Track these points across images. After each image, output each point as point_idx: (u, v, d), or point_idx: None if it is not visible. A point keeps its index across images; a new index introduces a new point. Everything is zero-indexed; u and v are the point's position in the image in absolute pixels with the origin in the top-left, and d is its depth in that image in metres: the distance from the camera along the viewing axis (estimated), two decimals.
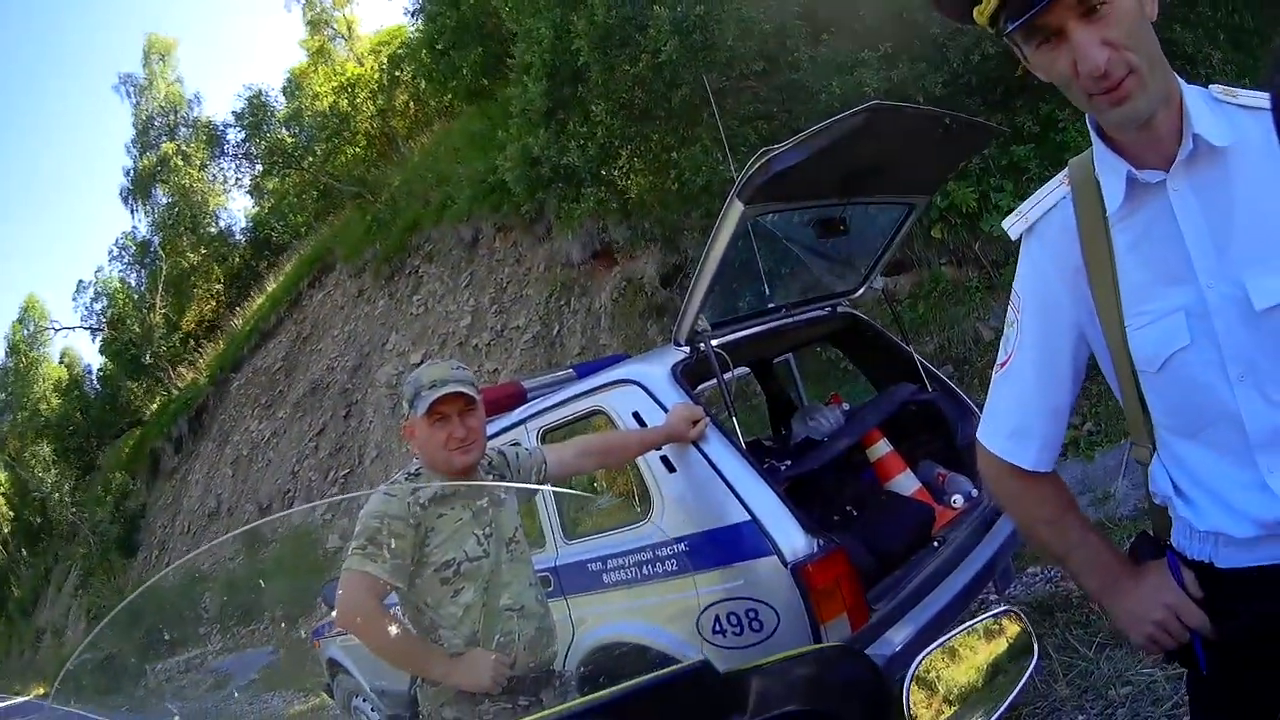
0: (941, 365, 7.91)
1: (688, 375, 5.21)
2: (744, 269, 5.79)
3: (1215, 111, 1.97)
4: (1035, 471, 2.21)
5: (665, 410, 4.96)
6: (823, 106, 10.94)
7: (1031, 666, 1.84)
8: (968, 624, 1.84)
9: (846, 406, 6.66)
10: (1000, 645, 1.83)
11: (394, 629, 3.75)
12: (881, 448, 6.21)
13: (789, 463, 5.71)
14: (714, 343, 5.19)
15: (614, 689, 1.79)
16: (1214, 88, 2.04)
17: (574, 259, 19.06)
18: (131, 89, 50.05)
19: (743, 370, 7.46)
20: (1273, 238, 1.89)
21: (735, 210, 4.74)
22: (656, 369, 5.24)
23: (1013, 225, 2.30)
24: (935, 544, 5.54)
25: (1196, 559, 2.08)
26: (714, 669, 1.82)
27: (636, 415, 5.11)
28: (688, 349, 5.26)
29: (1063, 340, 2.17)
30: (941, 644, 1.78)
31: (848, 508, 5.77)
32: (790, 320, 6.23)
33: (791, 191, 5.19)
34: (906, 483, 6.10)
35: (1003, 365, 2.27)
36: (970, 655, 1.81)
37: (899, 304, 8.61)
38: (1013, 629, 1.87)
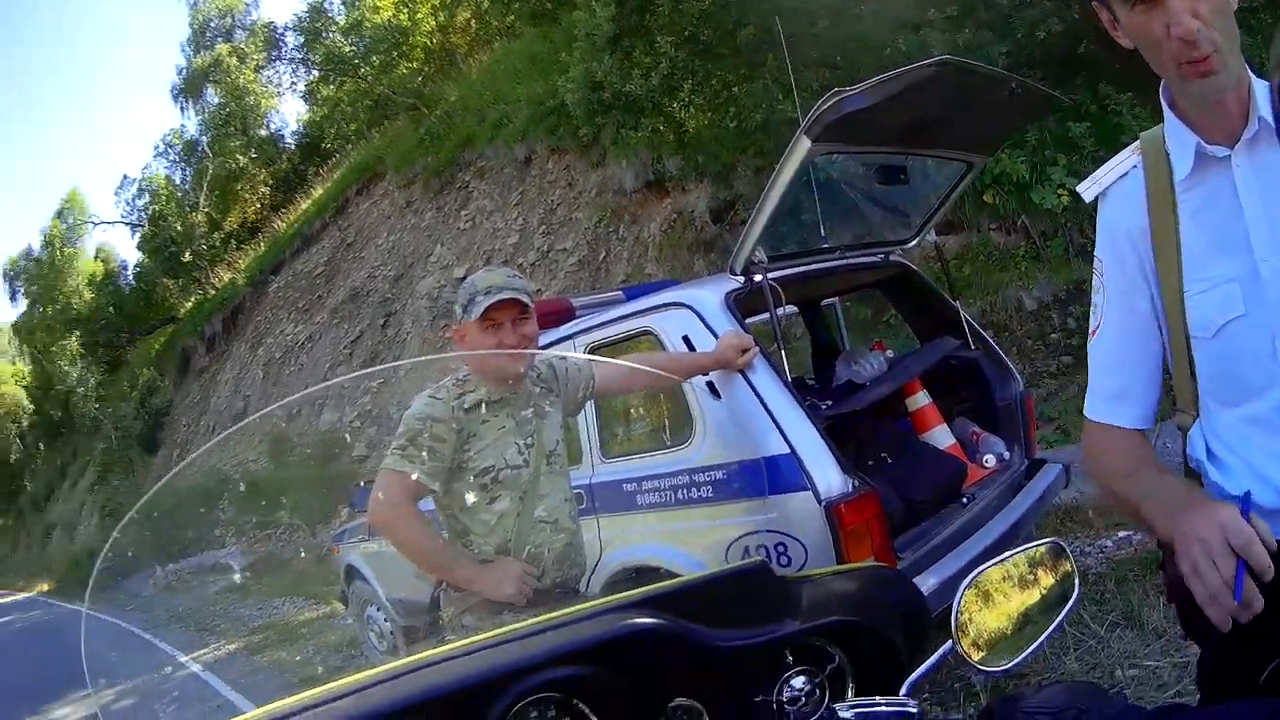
0: (983, 330, 7.98)
1: (740, 305, 5.19)
2: (803, 208, 5.80)
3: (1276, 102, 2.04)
4: (1132, 430, 2.24)
5: (715, 337, 4.96)
6: (886, 61, 10.91)
7: (1072, 601, 1.88)
8: (1019, 549, 1.88)
9: (890, 354, 6.67)
10: (1046, 578, 1.88)
11: (425, 530, 3.77)
12: (921, 399, 6.25)
13: (830, 403, 5.73)
14: (769, 276, 5.19)
15: (674, 581, 1.84)
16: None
17: (626, 187, 19.05)
18: None
19: (791, 309, 7.51)
20: None
21: (802, 146, 4.72)
22: (710, 294, 5.23)
23: (1087, 189, 2.32)
24: (964, 500, 5.60)
25: None
26: (771, 571, 1.87)
27: (686, 339, 5.12)
28: (742, 279, 5.25)
29: (1143, 299, 2.20)
30: (990, 566, 1.83)
31: (883, 454, 5.80)
32: (843, 262, 6.24)
33: (858, 135, 5.18)
34: (942, 436, 6.14)
35: (1094, 334, 2.30)
36: (1019, 578, 1.85)
37: (948, 262, 8.61)
38: (1058, 562, 1.91)
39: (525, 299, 3.85)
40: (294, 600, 16.98)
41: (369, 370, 28.39)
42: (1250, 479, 2.04)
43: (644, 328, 5.48)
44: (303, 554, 21.22)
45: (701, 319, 5.13)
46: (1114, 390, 2.27)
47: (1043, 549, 1.91)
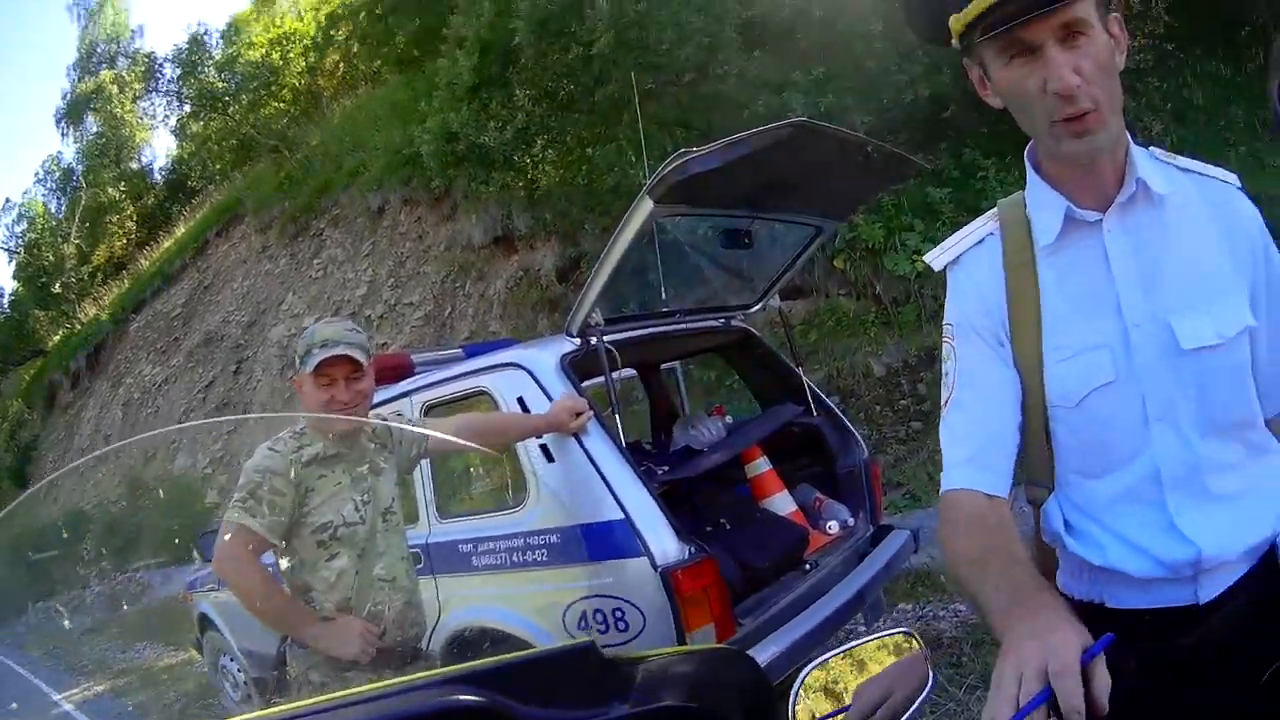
0: (828, 395, 8.02)
1: (576, 367, 5.15)
2: (644, 269, 5.78)
3: (1156, 166, 2.03)
4: (992, 497, 2.06)
5: (550, 399, 4.92)
6: (745, 122, 10.97)
7: (926, 691, 1.79)
8: (863, 639, 1.79)
9: (729, 419, 6.64)
10: (894, 665, 1.79)
11: (267, 585, 3.73)
12: (761, 465, 6.21)
13: (666, 468, 5.68)
14: (605, 339, 5.16)
15: (497, 658, 1.74)
16: (1154, 149, 2.09)
17: (475, 242, 19.15)
18: (82, 12, 50.21)
19: (629, 372, 7.47)
20: (1202, 285, 1.95)
21: (644, 207, 4.70)
22: (545, 356, 5.19)
23: (936, 258, 2.25)
24: (807, 567, 5.56)
25: (1084, 599, 2.08)
26: (599, 651, 1.77)
27: (521, 400, 5.06)
28: (579, 341, 5.22)
29: (997, 368, 2.12)
30: (836, 654, 1.74)
31: (721, 520, 5.76)
32: (683, 327, 6.23)
33: (703, 196, 5.16)
34: (783, 503, 6.10)
35: (945, 403, 2.18)
36: (863, 670, 1.76)
37: (792, 328, 8.66)
38: (909, 650, 1.83)
39: (359, 355, 3.83)
40: (153, 645, 16.89)
41: (217, 420, 28.24)
42: (1122, 551, 2.00)
43: (479, 387, 5.42)
44: (160, 599, 21.06)
45: (536, 380, 5.08)
46: (967, 457, 2.12)
47: (890, 638, 1.82)
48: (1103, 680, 1.50)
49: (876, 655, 1.79)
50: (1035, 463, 2.15)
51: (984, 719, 1.50)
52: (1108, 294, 1.98)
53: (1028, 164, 2.11)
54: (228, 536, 3.64)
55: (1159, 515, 1.97)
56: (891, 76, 12.23)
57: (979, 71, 2.00)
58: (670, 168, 4.54)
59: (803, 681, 1.66)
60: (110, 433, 33.11)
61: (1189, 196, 2.02)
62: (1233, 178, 2.10)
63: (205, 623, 8.76)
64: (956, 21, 1.91)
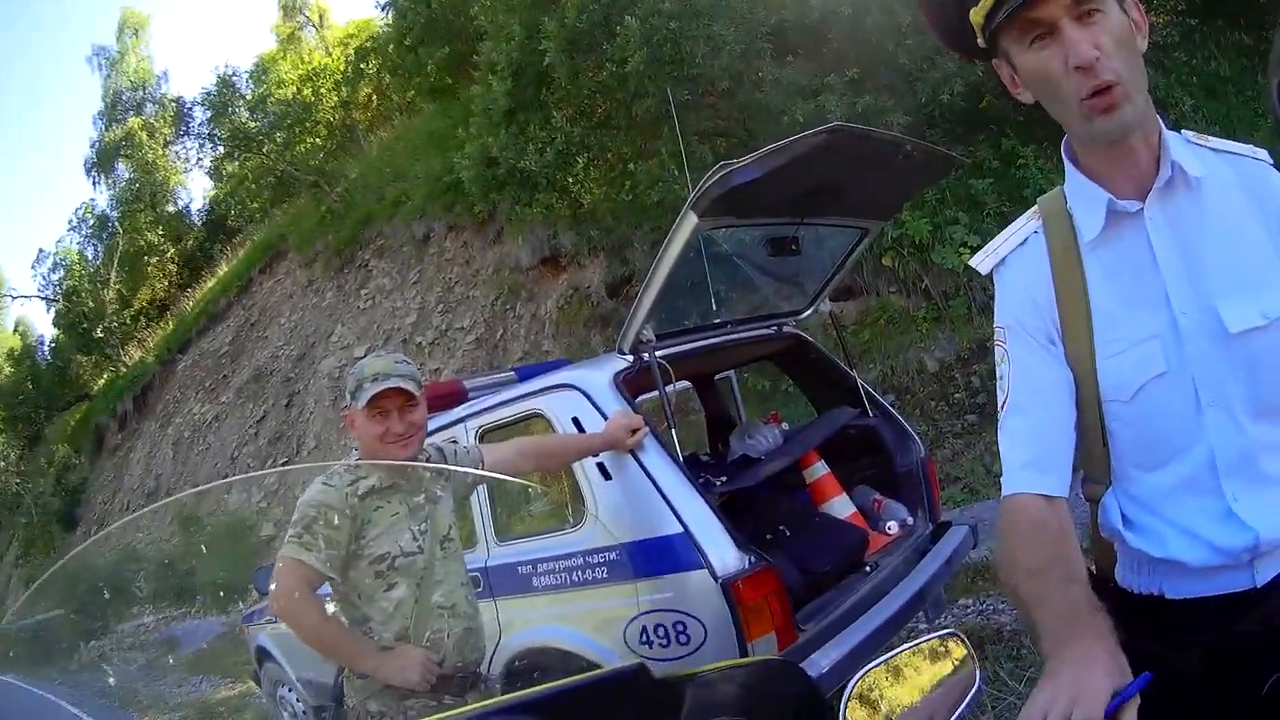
0: (884, 394, 7.98)
1: (629, 384, 5.16)
2: (693, 282, 5.77)
3: (1189, 149, 2.03)
4: (1052, 499, 2.07)
5: (605, 418, 4.91)
6: (784, 129, 10.94)
7: (973, 692, 1.79)
8: (911, 644, 1.79)
9: (786, 426, 6.63)
10: (943, 668, 1.79)
11: (325, 619, 3.76)
12: (818, 469, 6.18)
13: (725, 478, 5.65)
14: (658, 354, 5.16)
15: (549, 685, 1.75)
16: (1186, 133, 2.08)
17: (523, 264, 19.17)
18: (104, 62, 50.63)
19: (684, 384, 7.47)
20: (1244, 267, 1.95)
21: (689, 222, 4.71)
22: (598, 375, 5.19)
23: (982, 261, 2.27)
24: (868, 569, 5.53)
25: (1144, 592, 2.08)
26: (650, 673, 1.78)
27: (576, 421, 5.06)
28: (631, 358, 5.22)
29: (1051, 367, 2.12)
30: (884, 661, 1.74)
31: (781, 527, 5.73)
32: (735, 337, 6.21)
33: (746, 207, 5.15)
34: (842, 506, 6.07)
35: (1003, 407, 2.19)
36: (912, 675, 1.77)
37: (844, 329, 8.63)
38: (957, 652, 1.83)
39: (410, 387, 3.85)
40: (210, 679, 16.95)
41: (276, 470, 28.35)
42: (1181, 541, 2.00)
43: (534, 410, 5.43)
44: (215, 634, 21.19)
45: (590, 400, 5.08)
46: (1026, 460, 2.12)
47: (937, 640, 1.82)
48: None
49: (925, 660, 1.80)
50: (1091, 459, 2.15)
51: None
52: (1155, 284, 1.99)
53: (1065, 158, 2.12)
54: (283, 571, 3.67)
55: (1217, 503, 1.97)
56: (925, 72, 12.18)
57: (1008, 69, 2.03)
58: (711, 181, 4.55)
59: (851, 691, 1.67)
60: (161, 471, 33.40)
61: (1224, 178, 2.03)
62: (1264, 154, 2.10)
63: (263, 655, 8.83)
64: (976, 14, 1.94)
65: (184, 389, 35.80)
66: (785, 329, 6.63)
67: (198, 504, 29.69)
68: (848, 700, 1.64)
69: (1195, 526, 1.98)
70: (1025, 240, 2.19)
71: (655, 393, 5.23)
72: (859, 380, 6.60)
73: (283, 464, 25.65)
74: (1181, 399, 1.97)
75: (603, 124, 15.85)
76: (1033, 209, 2.22)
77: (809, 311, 6.75)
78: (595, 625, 5.02)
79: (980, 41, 1.99)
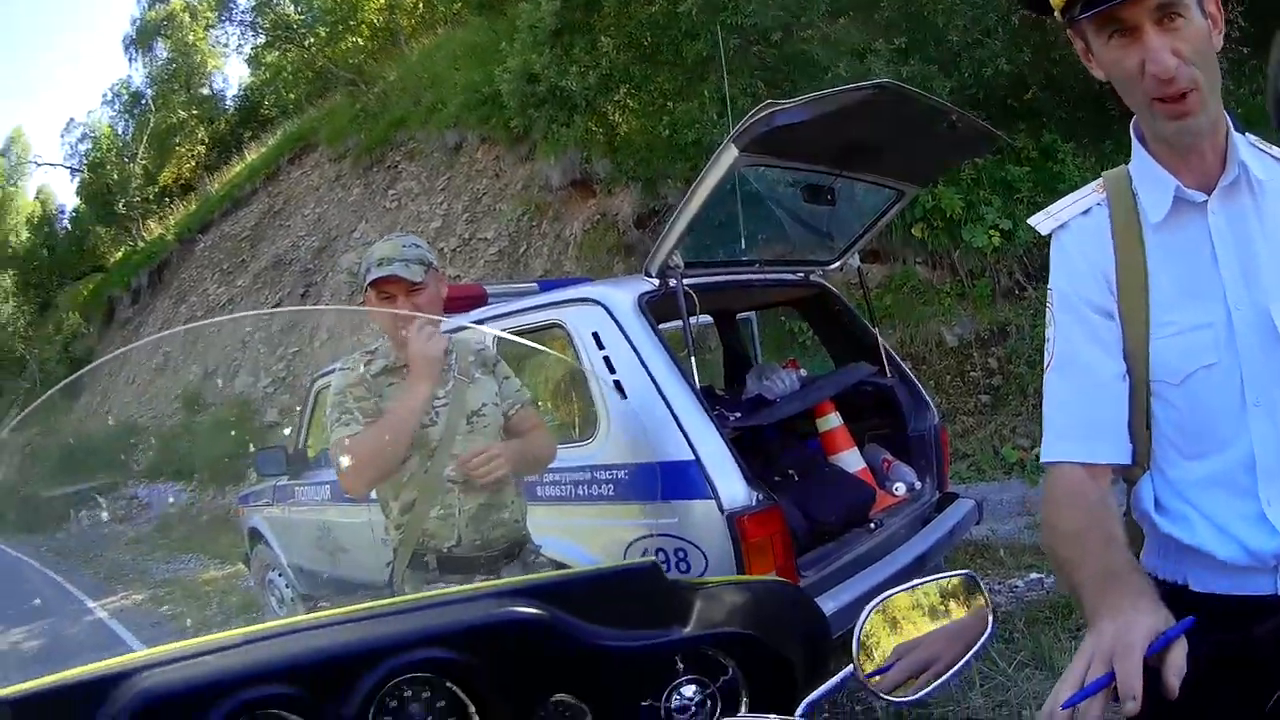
0: (901, 359, 7.98)
1: (652, 308, 5.13)
2: (724, 218, 5.75)
3: (1253, 153, 2.02)
4: (1092, 466, 2.05)
5: (625, 336, 4.93)
6: (828, 83, 10.88)
7: (986, 635, 1.78)
8: (930, 578, 1.79)
9: (803, 373, 6.59)
10: (957, 609, 1.79)
11: (370, 441, 3.66)
12: (832, 420, 6.20)
13: (738, 414, 5.67)
14: (685, 281, 5.14)
15: (561, 573, 1.75)
16: (1250, 136, 2.07)
17: (553, 183, 19.13)
18: None
19: (705, 319, 7.46)
20: None
21: (729, 155, 4.68)
22: (623, 294, 5.16)
23: (1043, 222, 2.23)
24: (871, 526, 5.55)
25: (1168, 580, 2.07)
26: (663, 573, 1.78)
27: (595, 335, 5.05)
28: (657, 282, 5.20)
29: (1104, 333, 2.09)
30: (899, 591, 1.74)
31: (790, 471, 5.75)
32: (761, 277, 6.25)
33: (787, 149, 5.16)
34: (851, 460, 6.09)
35: (1047, 366, 2.17)
36: (927, 610, 1.76)
37: (870, 289, 8.62)
38: (971, 594, 1.82)
39: (411, 274, 3.73)
40: (199, 558, 17.09)
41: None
42: (1212, 533, 1.98)
43: (554, 320, 5.41)
44: (210, 513, 21.53)
45: (613, 317, 5.05)
46: (1065, 426, 2.11)
47: (955, 580, 1.81)
48: (1176, 664, 1.54)
49: (940, 595, 1.79)
50: (1133, 441, 2.11)
51: (1051, 695, 1.54)
52: (1211, 277, 1.97)
53: (1134, 138, 2.10)
54: (337, 449, 3.68)
55: (1250, 505, 1.95)
56: (973, 50, 12.10)
57: (1082, 44, 2.00)
58: (756, 118, 4.52)
59: (867, 618, 1.66)
60: (170, 349, 33.60)
61: None
62: None
63: (255, 537, 8.93)
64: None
65: (201, 269, 35.92)
66: (812, 278, 6.64)
67: (203, 383, 30.05)
68: (862, 623, 1.64)
69: (1228, 524, 1.97)
70: (1089, 210, 2.16)
71: (678, 322, 5.18)
72: (880, 340, 6.60)
73: (293, 353, 25.77)
74: (1227, 394, 1.95)
75: (649, 57, 15.77)
76: (1097, 180, 2.20)
77: (837, 264, 6.74)
78: (598, 542, 5.02)
79: (1058, 17, 1.96)
